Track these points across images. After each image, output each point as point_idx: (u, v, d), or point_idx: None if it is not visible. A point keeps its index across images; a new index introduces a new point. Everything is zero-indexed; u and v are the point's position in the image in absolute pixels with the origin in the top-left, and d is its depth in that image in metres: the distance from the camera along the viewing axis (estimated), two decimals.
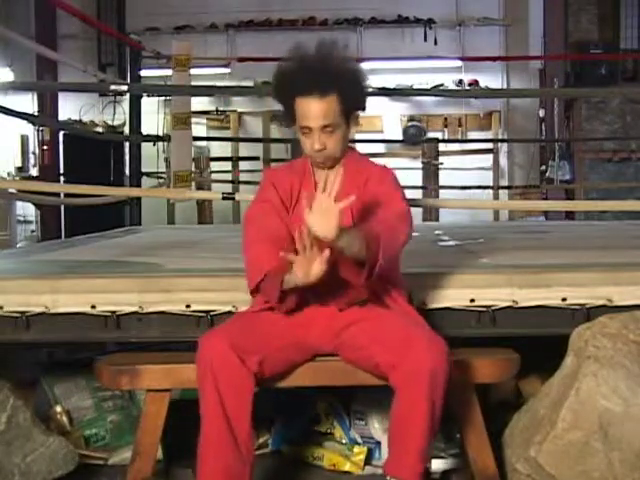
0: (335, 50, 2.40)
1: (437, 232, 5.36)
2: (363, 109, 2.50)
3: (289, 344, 2.44)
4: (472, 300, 2.79)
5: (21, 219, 10.07)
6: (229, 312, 2.75)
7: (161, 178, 8.12)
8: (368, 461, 2.96)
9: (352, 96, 2.43)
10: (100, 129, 10.41)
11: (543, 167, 10.12)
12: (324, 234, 2.19)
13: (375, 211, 2.42)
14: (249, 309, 2.56)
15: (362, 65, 2.66)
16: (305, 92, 2.37)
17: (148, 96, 8.29)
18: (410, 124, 10.73)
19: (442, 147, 9.68)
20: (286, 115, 2.46)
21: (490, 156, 10.45)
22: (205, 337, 2.37)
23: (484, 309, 2.80)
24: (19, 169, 10.15)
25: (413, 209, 2.57)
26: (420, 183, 9.07)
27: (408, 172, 8.68)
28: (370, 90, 3.33)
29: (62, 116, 10.14)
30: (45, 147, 10.02)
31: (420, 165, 9.38)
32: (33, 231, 10.26)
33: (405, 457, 2.29)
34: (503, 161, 10.83)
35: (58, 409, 3.12)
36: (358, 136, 8.75)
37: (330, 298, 2.46)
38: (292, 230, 2.39)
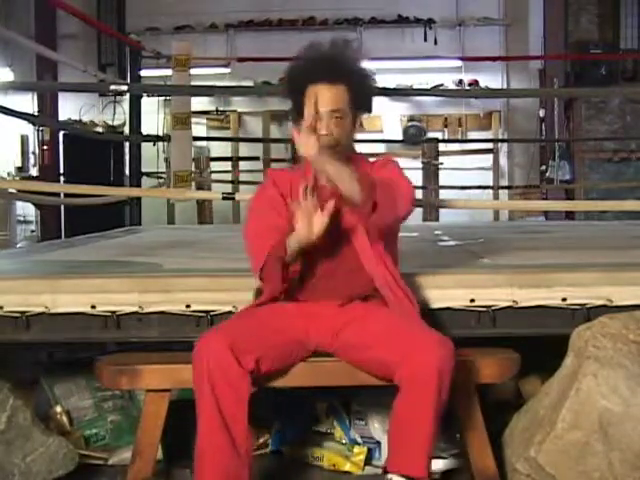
0: (348, 48, 2.51)
1: (437, 232, 5.37)
2: (369, 111, 2.58)
3: (288, 340, 2.44)
4: (472, 300, 2.79)
5: (21, 219, 10.06)
6: (229, 312, 2.75)
7: (161, 178, 8.13)
8: (368, 461, 2.95)
9: (360, 91, 2.51)
10: (100, 129, 10.40)
11: (543, 167, 10.11)
12: (307, 153, 2.29)
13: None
14: (252, 304, 2.56)
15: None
16: (317, 79, 2.45)
17: (148, 96, 8.30)
18: (410, 124, 10.72)
19: (442, 147, 9.67)
20: (294, 107, 2.52)
21: (490, 156, 10.45)
22: (202, 337, 2.36)
23: (484, 309, 2.80)
24: (19, 169, 10.14)
25: None
26: (420, 183, 9.05)
27: (408, 172, 8.63)
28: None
29: (62, 116, 10.13)
30: (45, 147, 10.00)
31: (420, 165, 9.37)
32: (33, 231, 10.24)
33: (412, 454, 2.28)
34: (503, 161, 10.83)
35: (58, 409, 3.12)
36: (358, 136, 8.72)
37: (331, 292, 2.48)
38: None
